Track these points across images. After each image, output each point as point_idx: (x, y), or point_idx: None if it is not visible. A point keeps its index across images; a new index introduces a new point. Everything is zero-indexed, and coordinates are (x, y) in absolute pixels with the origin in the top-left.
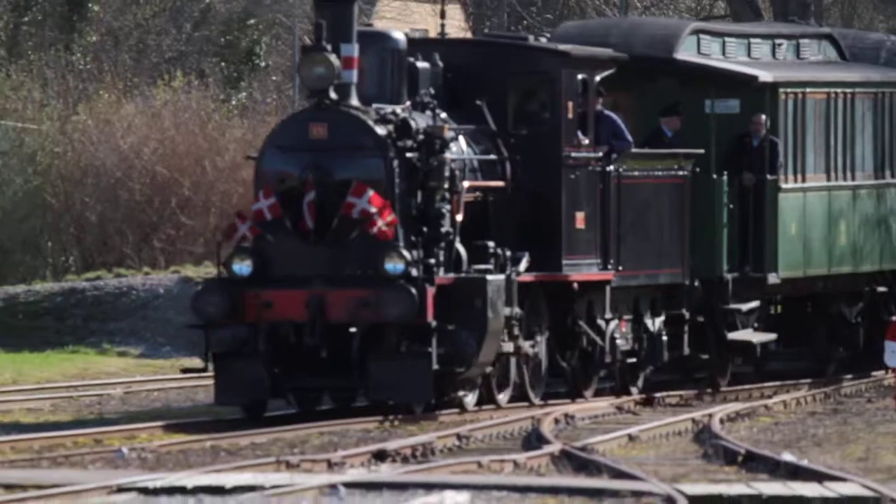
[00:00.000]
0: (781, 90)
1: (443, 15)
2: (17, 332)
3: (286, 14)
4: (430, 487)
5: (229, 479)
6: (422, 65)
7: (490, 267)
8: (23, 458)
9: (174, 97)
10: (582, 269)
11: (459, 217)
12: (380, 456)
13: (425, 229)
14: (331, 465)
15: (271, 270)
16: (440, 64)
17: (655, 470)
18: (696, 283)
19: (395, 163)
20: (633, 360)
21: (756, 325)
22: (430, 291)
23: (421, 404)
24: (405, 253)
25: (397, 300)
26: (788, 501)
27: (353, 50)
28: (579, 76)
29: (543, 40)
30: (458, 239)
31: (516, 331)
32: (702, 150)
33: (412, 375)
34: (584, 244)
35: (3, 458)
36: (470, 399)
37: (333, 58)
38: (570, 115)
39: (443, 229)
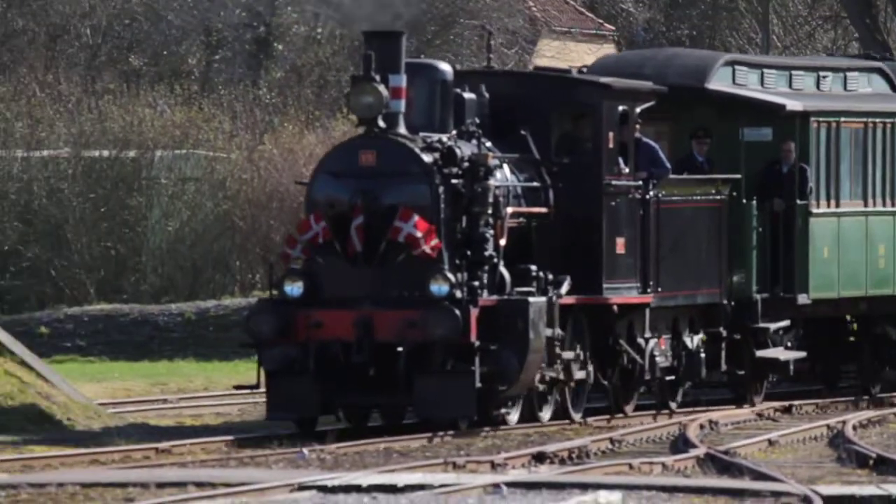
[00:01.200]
0: (813, 119)
1: (489, 48)
2: (208, 342)
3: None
4: (585, 487)
5: (401, 479)
6: (468, 95)
7: (532, 289)
8: (213, 458)
9: (352, 128)
10: (622, 293)
11: (503, 241)
12: (539, 458)
13: (469, 253)
14: (494, 466)
15: (321, 292)
16: (486, 95)
17: (793, 472)
18: (731, 302)
19: (441, 189)
20: (672, 376)
21: (789, 343)
22: (474, 312)
23: (465, 420)
24: (450, 275)
25: (442, 321)
26: None
27: (402, 80)
28: (620, 108)
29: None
30: (501, 262)
31: (558, 350)
32: (738, 175)
33: (456, 393)
34: (625, 268)
35: (195, 458)
36: (513, 416)
37: (382, 88)
38: (611, 145)
39: (486, 253)
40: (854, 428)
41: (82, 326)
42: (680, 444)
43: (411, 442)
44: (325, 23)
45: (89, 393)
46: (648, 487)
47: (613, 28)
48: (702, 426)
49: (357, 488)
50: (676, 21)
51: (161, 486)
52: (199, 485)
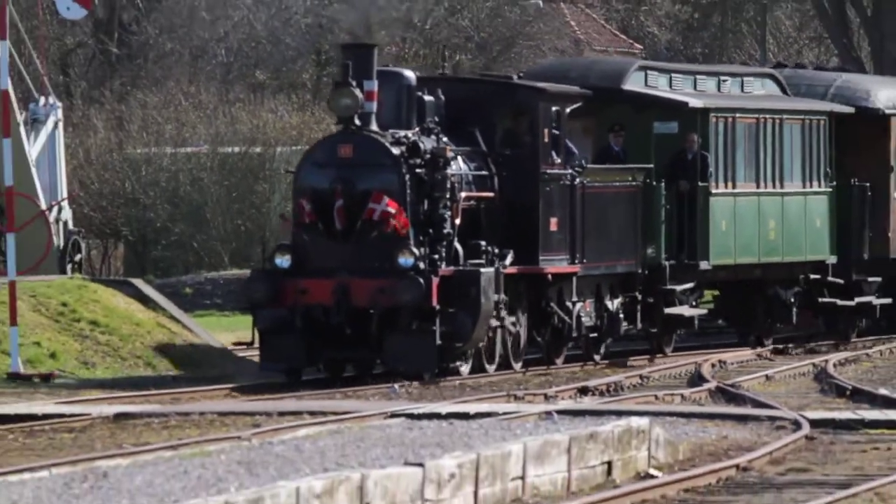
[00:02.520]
0: (712, 114)
1: (443, 58)
2: None
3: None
4: (619, 414)
5: (473, 408)
6: (428, 98)
7: (482, 261)
8: (324, 392)
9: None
10: (555, 264)
11: (458, 221)
12: (583, 391)
13: (431, 231)
14: (547, 398)
15: (306, 263)
16: (442, 97)
17: (785, 401)
18: (645, 271)
19: (407, 177)
20: (595, 334)
21: (693, 303)
22: (435, 281)
23: (428, 372)
24: (415, 250)
25: (409, 288)
26: (883, 423)
27: (374, 85)
28: (553, 108)
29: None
30: (456, 239)
31: (502, 312)
32: (651, 165)
33: (420, 349)
34: (557, 243)
35: (312, 393)
36: (465, 368)
37: (357, 91)
38: (546, 140)
39: (444, 231)
40: (834, 366)
41: (218, 287)
42: (695, 379)
43: (480, 378)
44: (411, 45)
45: (224, 340)
46: (671, 414)
47: (641, 47)
48: (713, 365)
49: (437, 415)
50: (692, 41)
51: (282, 414)
52: (312, 413)
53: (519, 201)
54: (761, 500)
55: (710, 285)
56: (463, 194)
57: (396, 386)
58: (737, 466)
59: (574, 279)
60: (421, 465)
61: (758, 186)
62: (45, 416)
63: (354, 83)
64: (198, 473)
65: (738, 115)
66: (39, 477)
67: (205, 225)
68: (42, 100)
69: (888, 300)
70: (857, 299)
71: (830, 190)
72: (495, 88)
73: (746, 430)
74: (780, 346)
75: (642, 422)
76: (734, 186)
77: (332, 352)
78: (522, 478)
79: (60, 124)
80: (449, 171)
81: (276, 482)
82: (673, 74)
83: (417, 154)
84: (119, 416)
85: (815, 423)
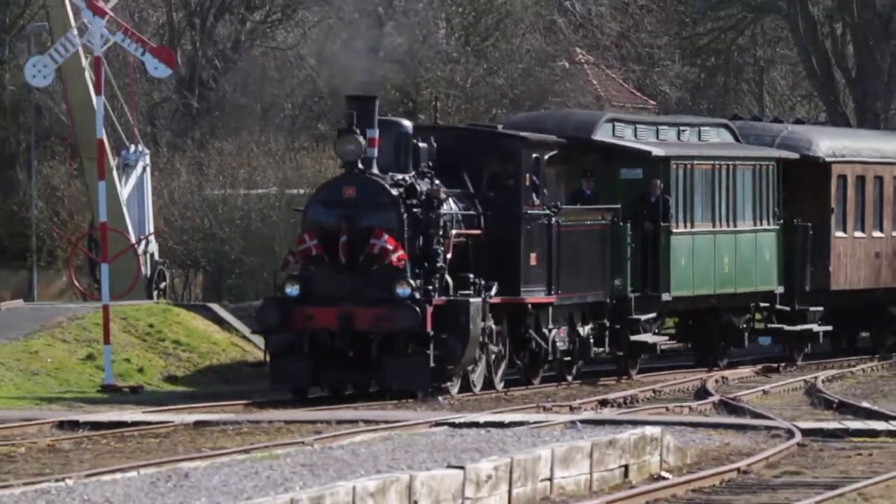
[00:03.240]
0: (672, 161)
1: (436, 109)
2: None
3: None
4: (635, 424)
5: (507, 417)
6: (422, 144)
7: (470, 292)
8: (374, 403)
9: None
10: (534, 294)
11: (449, 255)
12: (603, 403)
13: (425, 264)
14: (572, 409)
15: (313, 292)
16: (434, 144)
17: (780, 413)
18: (613, 301)
19: (405, 215)
20: (568, 357)
21: (655, 331)
22: (429, 309)
23: (422, 390)
24: (411, 281)
25: (406, 315)
26: (866, 432)
27: (375, 133)
28: (534, 155)
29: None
30: (447, 272)
31: (487, 338)
32: (618, 206)
33: (416, 370)
34: (536, 276)
35: (365, 403)
36: (454, 388)
37: (361, 138)
38: (527, 183)
39: (438, 265)
40: (823, 382)
41: None
42: (701, 393)
43: (514, 392)
44: (453, 101)
45: None
46: (680, 423)
47: (655, 103)
48: (716, 381)
49: (476, 424)
50: (699, 98)
51: (340, 422)
52: (367, 421)
53: (502, 238)
54: (759, 499)
55: (670, 314)
56: (454, 232)
57: (441, 398)
58: (738, 470)
59: (550, 308)
60: (462, 467)
61: (714, 225)
62: (134, 423)
63: (358, 131)
64: (267, 474)
65: (695, 161)
66: (129, 477)
67: (273, 256)
68: (132, 147)
69: (828, 327)
70: (801, 326)
71: (778, 228)
72: (482, 137)
73: (746, 438)
74: (774, 365)
75: (655, 430)
76: (692, 226)
77: (336, 373)
78: (550, 479)
79: (148, 169)
80: (442, 211)
81: (336, 482)
82: (638, 125)
83: (414, 195)
84: (198, 424)
85: (806, 432)
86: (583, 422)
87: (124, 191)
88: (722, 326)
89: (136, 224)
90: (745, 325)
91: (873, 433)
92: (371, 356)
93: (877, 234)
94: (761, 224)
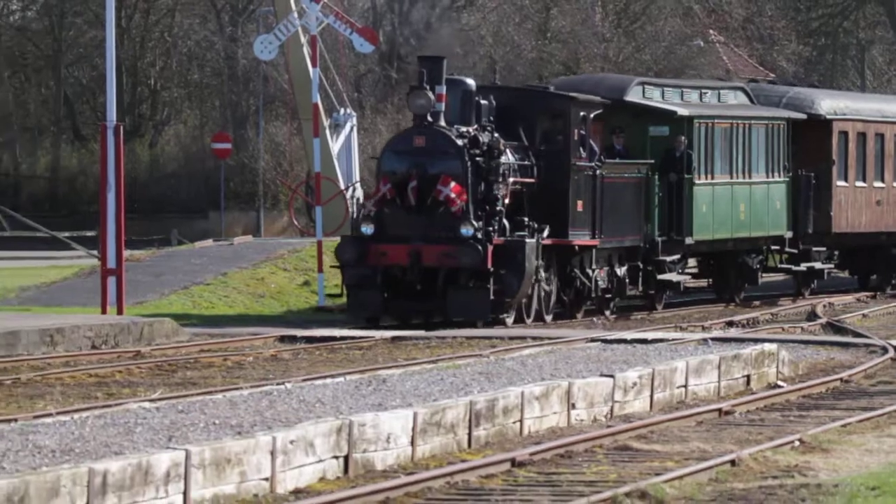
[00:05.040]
0: (696, 120)
1: (495, 72)
2: None
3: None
4: (756, 341)
5: (650, 335)
6: (484, 101)
7: (525, 234)
8: (535, 323)
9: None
10: (580, 237)
11: (507, 201)
12: (730, 323)
13: (486, 208)
14: (703, 328)
15: (386, 231)
16: (494, 102)
17: (877, 332)
18: (646, 245)
19: (469, 163)
20: (608, 294)
21: (680, 270)
22: (490, 248)
23: (482, 320)
24: (474, 222)
25: (469, 253)
26: None
27: (443, 90)
28: (581, 113)
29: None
30: (505, 215)
31: (540, 275)
32: (651, 160)
33: (477, 302)
34: (581, 221)
35: (535, 324)
36: (510, 319)
37: (430, 93)
38: (575, 138)
39: (497, 208)
40: None
41: None
42: (811, 316)
43: (656, 314)
44: (606, 73)
45: None
46: (793, 341)
47: (774, 76)
48: (824, 306)
49: (624, 340)
50: (811, 72)
51: (511, 338)
52: (534, 338)
53: (553, 187)
54: (858, 403)
55: (692, 255)
56: (511, 179)
57: (595, 319)
58: (840, 380)
59: (594, 250)
60: (612, 376)
61: (731, 177)
62: (342, 338)
63: (428, 87)
64: (451, 380)
65: (716, 120)
66: (337, 381)
67: None
68: (342, 110)
69: (830, 266)
70: (805, 265)
71: (787, 179)
72: (536, 96)
73: (848, 354)
74: (872, 294)
75: (772, 346)
76: (713, 178)
77: (405, 304)
78: (685, 386)
79: (355, 128)
80: (501, 160)
81: (507, 387)
82: (665, 88)
83: (477, 146)
84: (395, 339)
85: None
86: (713, 339)
87: (335, 146)
88: (738, 266)
89: (345, 173)
90: (758, 265)
91: None
92: (437, 289)
93: (878, 184)
94: (773, 176)
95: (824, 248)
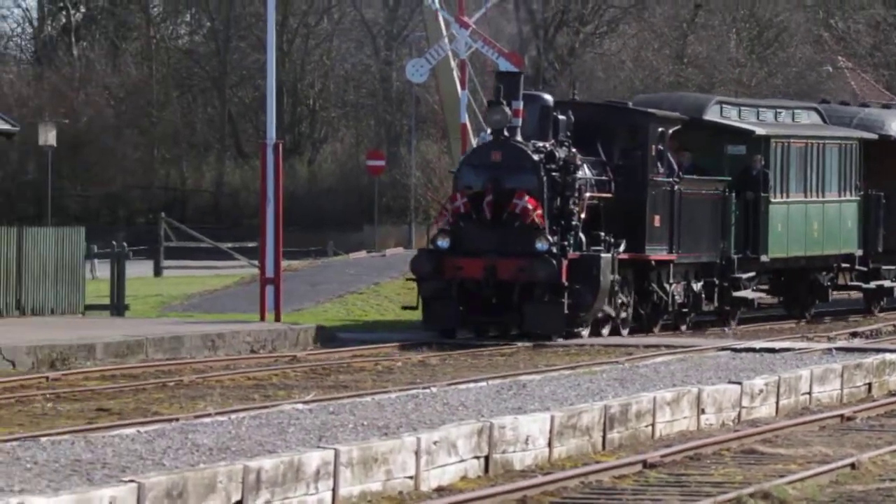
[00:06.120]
0: (772, 140)
1: (573, 86)
2: None
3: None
4: (879, 351)
5: (777, 344)
6: (561, 117)
7: (601, 248)
8: (669, 332)
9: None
10: (657, 252)
11: (583, 215)
12: (854, 334)
13: (562, 222)
14: (829, 339)
15: (462, 245)
16: (572, 117)
17: None
18: (722, 261)
19: (545, 178)
20: (685, 309)
21: (754, 287)
22: (565, 263)
23: (557, 335)
24: (549, 237)
25: (544, 267)
26: None
27: (520, 105)
28: (660, 129)
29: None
30: (581, 230)
31: (616, 289)
32: (728, 178)
33: (552, 316)
34: (659, 236)
35: (665, 333)
36: (585, 332)
37: (507, 109)
38: (653, 154)
39: (573, 223)
40: None
41: None
42: None
43: (783, 324)
44: (739, 97)
45: None
46: None
47: None
48: None
49: (753, 349)
50: None
51: (646, 346)
52: (667, 346)
53: (630, 201)
54: None
55: (766, 273)
56: (587, 194)
57: (727, 329)
58: None
59: (671, 265)
60: (740, 383)
61: (805, 196)
62: (485, 345)
63: (505, 102)
64: (587, 386)
65: (791, 140)
66: (480, 386)
67: None
68: (488, 130)
69: None
70: (875, 283)
71: (859, 199)
72: (615, 111)
73: None
74: None
75: (894, 356)
76: (788, 196)
77: (481, 317)
78: (809, 393)
79: None
80: (577, 176)
81: (640, 393)
82: (742, 108)
83: (553, 161)
84: (536, 346)
85: None
86: (837, 349)
87: None
88: (809, 283)
89: None
90: (828, 283)
91: None
92: (512, 303)
93: None
94: (845, 195)
95: (894, 267)
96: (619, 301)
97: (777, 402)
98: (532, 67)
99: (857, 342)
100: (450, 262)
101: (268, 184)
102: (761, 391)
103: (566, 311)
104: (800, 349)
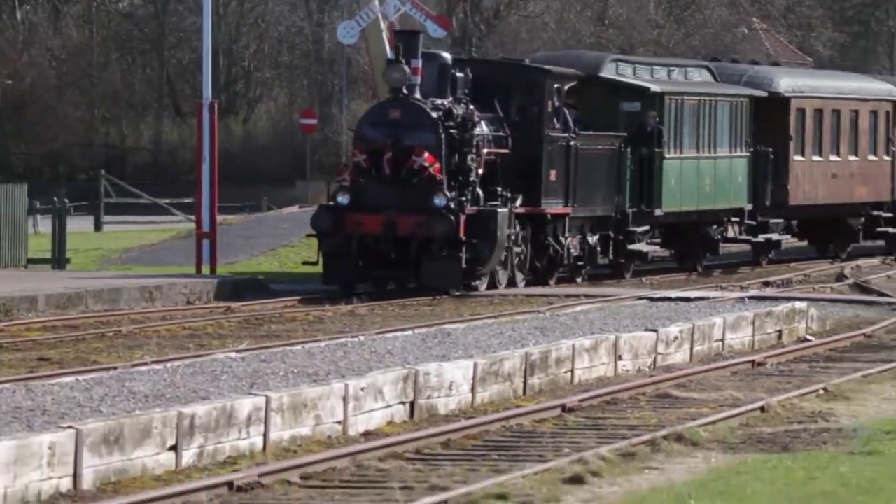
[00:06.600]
0: (666, 97)
1: (471, 44)
2: None
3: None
4: (789, 299)
5: (692, 294)
6: (459, 74)
7: (498, 203)
8: (594, 282)
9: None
10: (553, 206)
11: (480, 171)
12: (766, 283)
13: (460, 178)
14: (742, 288)
15: (362, 201)
16: (470, 75)
17: None
18: (618, 215)
19: (443, 135)
20: (580, 262)
21: (648, 241)
22: (462, 218)
23: (454, 289)
24: (447, 193)
25: (442, 223)
26: None
27: (418, 63)
28: (556, 85)
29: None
30: (478, 185)
31: (512, 243)
32: (624, 133)
33: (450, 270)
34: (555, 190)
35: (590, 283)
36: (482, 286)
37: (406, 68)
38: (549, 109)
39: (470, 179)
40: None
41: None
42: (840, 277)
43: (694, 276)
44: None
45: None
46: (822, 300)
47: (812, 60)
48: (852, 268)
49: (668, 298)
50: (845, 57)
51: (566, 296)
52: (587, 296)
53: (527, 157)
54: (879, 356)
55: (660, 226)
56: (485, 150)
57: (644, 279)
58: (864, 335)
59: (567, 219)
60: (655, 330)
61: (698, 152)
62: (414, 295)
63: (404, 61)
64: (509, 334)
65: (685, 97)
66: (406, 335)
67: None
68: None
69: (787, 236)
70: (763, 236)
71: (749, 154)
72: (512, 69)
73: (872, 311)
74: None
75: (802, 304)
76: (681, 152)
77: (380, 271)
78: (722, 340)
79: None
80: (475, 132)
81: (560, 340)
82: (636, 65)
83: (451, 118)
84: (461, 296)
85: None
86: (749, 297)
87: None
88: (701, 237)
89: None
90: (719, 236)
91: None
92: (410, 258)
93: (834, 158)
94: (736, 151)
95: (781, 220)
96: (516, 254)
97: (691, 349)
98: (459, 29)
99: (768, 291)
100: (350, 218)
101: (204, 142)
102: (676, 338)
103: (464, 266)
104: (714, 298)
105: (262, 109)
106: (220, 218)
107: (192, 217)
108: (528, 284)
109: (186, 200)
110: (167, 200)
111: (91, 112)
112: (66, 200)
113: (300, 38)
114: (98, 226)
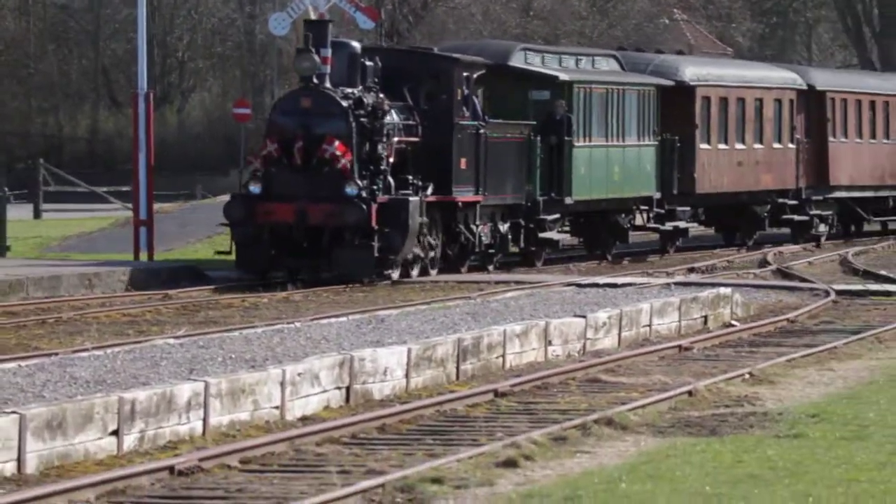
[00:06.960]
0: (575, 85)
1: (381, 33)
2: None
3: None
4: (714, 285)
5: (619, 280)
6: (369, 63)
7: (410, 192)
8: (525, 269)
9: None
10: (464, 194)
11: (391, 160)
12: (691, 269)
13: (371, 167)
14: (668, 274)
15: (273, 190)
16: (380, 63)
17: (821, 278)
18: (528, 203)
19: (353, 124)
20: (491, 250)
21: (559, 229)
22: (374, 207)
23: (366, 277)
24: (358, 182)
25: (353, 212)
26: (882, 293)
27: (328, 52)
28: (465, 73)
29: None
30: (389, 174)
31: (424, 231)
32: (534, 122)
33: (362, 259)
34: (465, 179)
35: (520, 269)
36: (395, 274)
37: (316, 57)
38: (459, 98)
39: (381, 167)
40: (852, 255)
41: None
42: (763, 263)
43: (623, 264)
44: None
45: None
46: (746, 285)
47: (732, 50)
48: (775, 254)
49: (596, 285)
50: (764, 47)
51: (497, 283)
52: (517, 282)
53: (437, 145)
54: (802, 340)
55: (570, 215)
56: (395, 139)
57: (571, 265)
58: (787, 320)
59: (477, 207)
60: (584, 316)
61: (607, 141)
62: (349, 284)
63: (314, 50)
64: (441, 320)
65: (593, 86)
66: (341, 321)
67: None
68: None
69: (694, 224)
70: (671, 224)
71: (657, 143)
72: (420, 57)
73: (794, 297)
74: (817, 244)
75: (727, 290)
76: (590, 140)
77: (292, 260)
78: (649, 325)
79: None
80: (385, 121)
81: (491, 326)
82: (545, 54)
83: (361, 107)
84: (395, 283)
85: (839, 293)
86: (675, 283)
87: None
88: (611, 224)
89: None
90: (628, 224)
91: (888, 293)
92: (323, 247)
93: (739, 146)
94: (643, 140)
95: (689, 208)
96: (428, 243)
97: (619, 334)
98: (388, 20)
99: (693, 277)
100: (261, 207)
101: (140, 131)
102: (604, 324)
103: (376, 255)
104: (640, 284)
105: (196, 99)
106: (156, 206)
107: (130, 205)
108: (440, 272)
109: (123, 189)
110: (104, 189)
111: (28, 102)
112: (5, 189)
113: (232, 29)
114: (37, 214)
